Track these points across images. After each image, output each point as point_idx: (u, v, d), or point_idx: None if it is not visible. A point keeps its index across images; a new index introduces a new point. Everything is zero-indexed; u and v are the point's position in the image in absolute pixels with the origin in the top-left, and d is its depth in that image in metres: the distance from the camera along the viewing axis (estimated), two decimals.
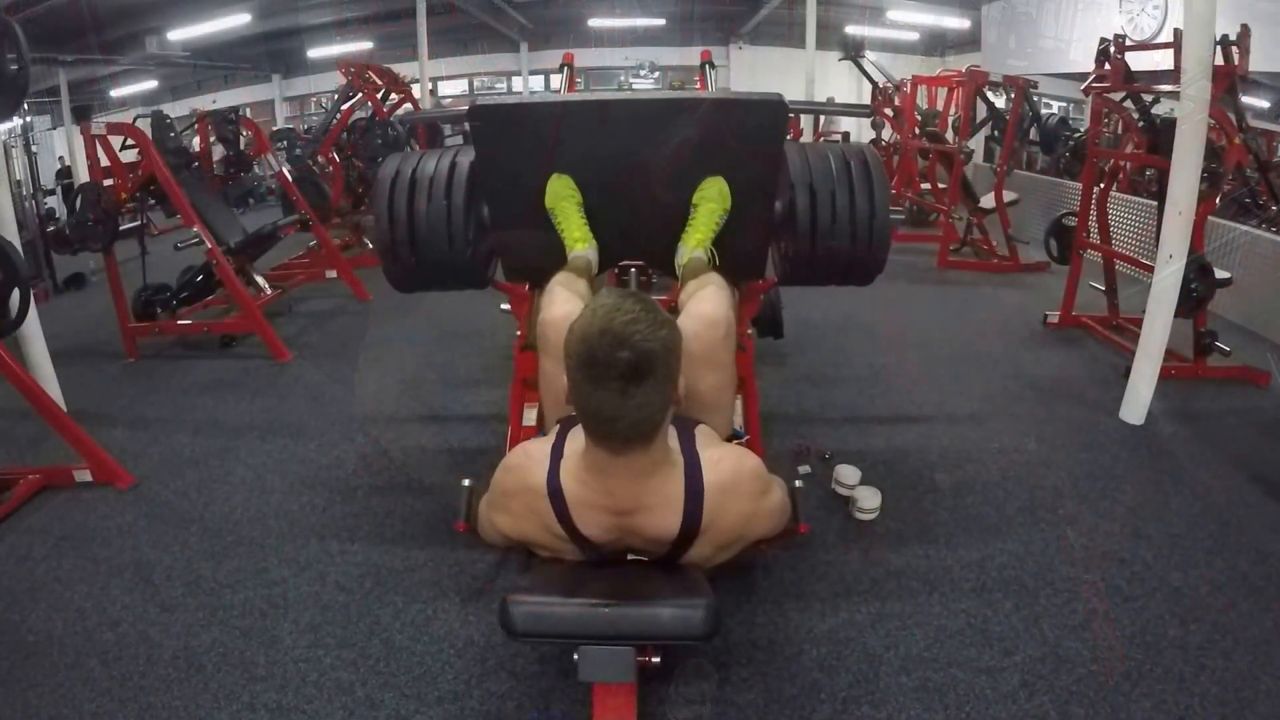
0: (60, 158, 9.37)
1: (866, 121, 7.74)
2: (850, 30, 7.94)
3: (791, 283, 2.05)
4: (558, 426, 1.41)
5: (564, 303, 1.57)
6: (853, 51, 7.00)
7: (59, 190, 6.29)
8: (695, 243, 1.78)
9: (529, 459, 1.34)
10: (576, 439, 1.29)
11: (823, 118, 9.00)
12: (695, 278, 1.71)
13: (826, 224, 1.85)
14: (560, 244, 1.84)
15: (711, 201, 1.79)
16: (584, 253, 1.80)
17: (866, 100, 7.53)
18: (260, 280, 4.29)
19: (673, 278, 1.95)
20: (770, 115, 1.74)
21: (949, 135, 6.48)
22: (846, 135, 9.58)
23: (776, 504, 1.37)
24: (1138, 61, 3.50)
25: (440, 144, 7.05)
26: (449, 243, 1.89)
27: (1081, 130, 5.30)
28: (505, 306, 2.41)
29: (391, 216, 1.88)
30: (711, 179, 1.80)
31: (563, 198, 1.81)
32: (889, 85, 7.00)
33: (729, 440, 1.71)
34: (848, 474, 2.29)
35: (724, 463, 1.29)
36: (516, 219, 1.91)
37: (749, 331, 2.24)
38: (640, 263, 3.25)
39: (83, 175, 7.93)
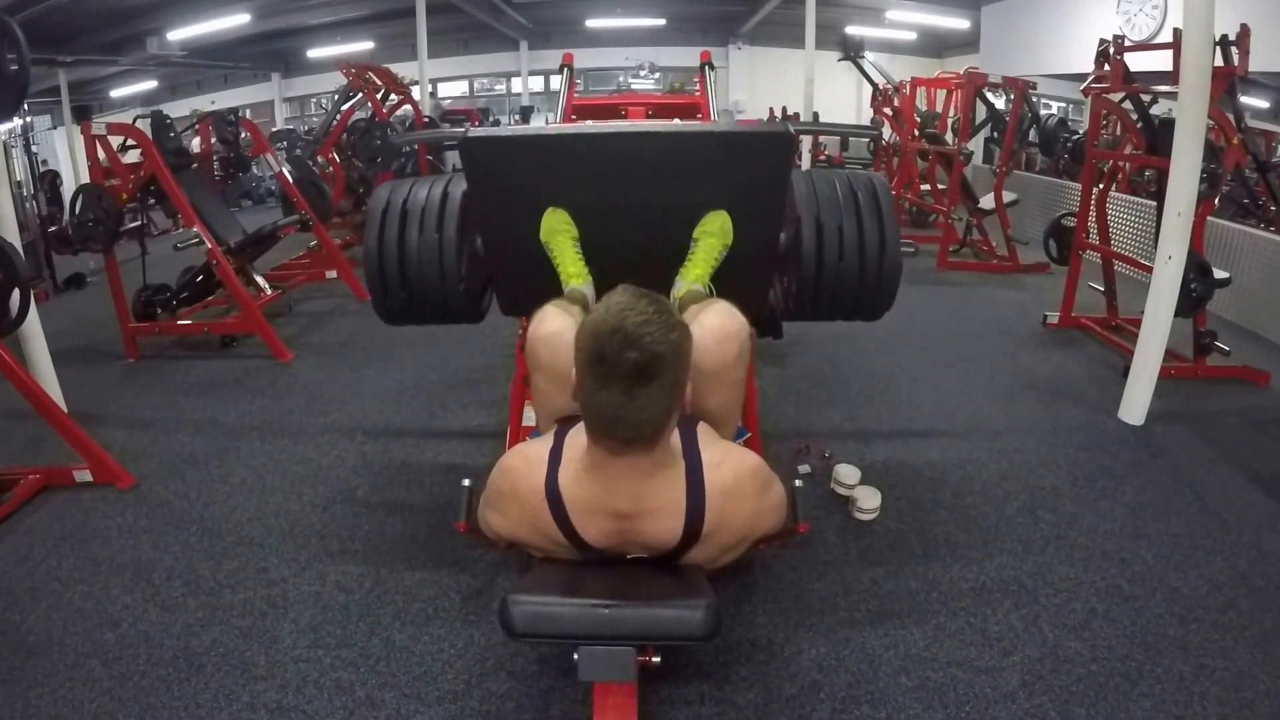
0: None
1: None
2: (850, 30, 7.91)
3: (796, 319, 1.97)
4: (556, 427, 1.40)
5: (554, 319, 1.50)
6: (853, 51, 6.98)
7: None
8: (694, 277, 1.69)
9: (526, 462, 1.33)
10: (576, 442, 1.28)
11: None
12: (696, 303, 1.62)
13: (833, 259, 1.76)
14: (556, 276, 1.74)
15: (712, 236, 1.71)
16: (580, 288, 1.72)
17: (866, 103, 7.54)
18: (260, 280, 4.29)
19: None
20: (776, 148, 1.66)
21: (948, 136, 6.49)
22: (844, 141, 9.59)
23: (778, 499, 1.38)
24: (1136, 62, 3.51)
25: (439, 157, 7.09)
26: (441, 276, 1.82)
27: (1080, 131, 5.31)
28: None
29: (381, 249, 1.81)
30: (714, 214, 1.72)
31: (558, 232, 1.73)
32: (888, 86, 7.00)
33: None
34: (848, 474, 2.29)
35: (726, 464, 1.28)
36: (511, 252, 1.82)
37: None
38: None
39: (76, 178, 7.93)
